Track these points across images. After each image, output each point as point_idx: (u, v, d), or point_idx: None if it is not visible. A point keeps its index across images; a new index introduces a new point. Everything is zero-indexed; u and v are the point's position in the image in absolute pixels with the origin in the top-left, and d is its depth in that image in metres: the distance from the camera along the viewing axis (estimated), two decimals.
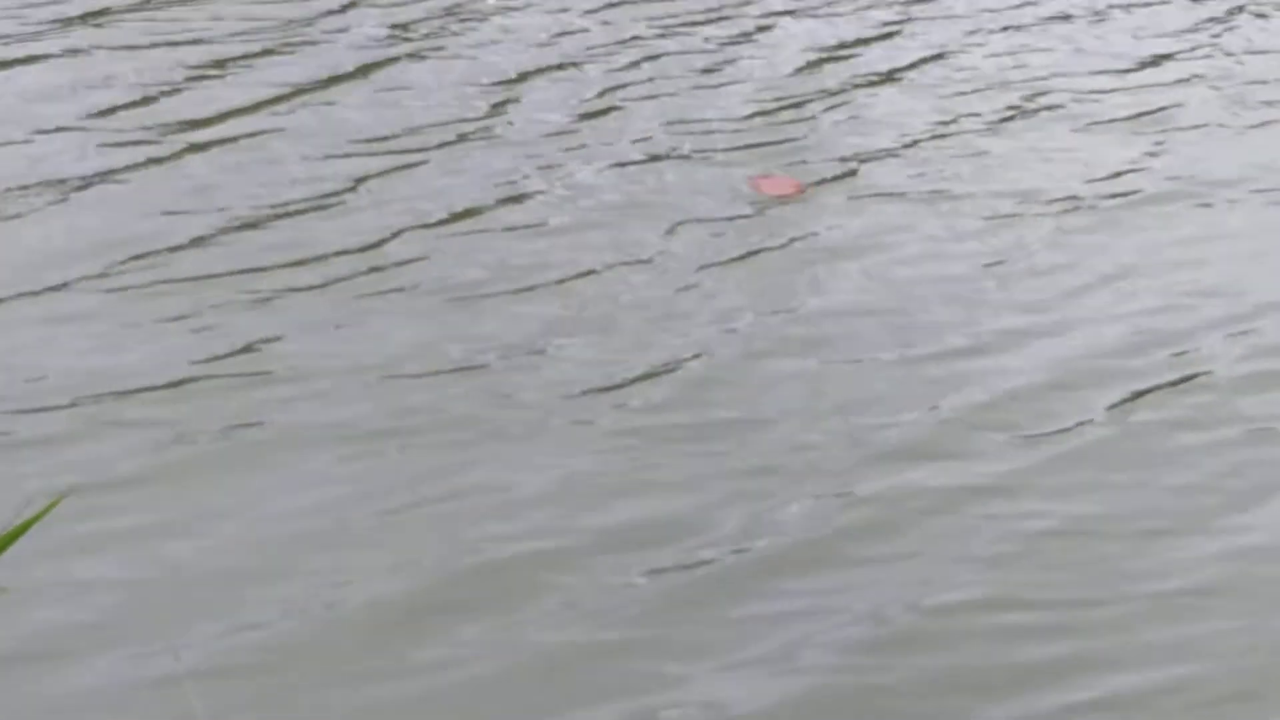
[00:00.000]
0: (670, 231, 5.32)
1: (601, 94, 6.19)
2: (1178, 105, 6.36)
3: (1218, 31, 7.05)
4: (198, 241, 5.12)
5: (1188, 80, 6.57)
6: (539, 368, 4.63)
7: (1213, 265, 5.33)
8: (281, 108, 5.95)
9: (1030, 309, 5.04)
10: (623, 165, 5.69)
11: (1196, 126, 6.21)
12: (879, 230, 5.40)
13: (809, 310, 4.96)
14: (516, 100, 6.11)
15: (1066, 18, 7.11)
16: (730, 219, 5.41)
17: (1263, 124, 6.27)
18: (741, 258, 5.20)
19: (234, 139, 5.72)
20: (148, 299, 4.82)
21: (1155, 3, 7.31)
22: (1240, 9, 7.28)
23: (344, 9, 6.78)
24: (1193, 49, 6.87)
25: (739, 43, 6.69)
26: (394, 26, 6.64)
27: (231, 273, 4.98)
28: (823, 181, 5.66)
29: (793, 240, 5.31)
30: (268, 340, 4.68)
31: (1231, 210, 5.66)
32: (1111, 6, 7.25)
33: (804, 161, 5.79)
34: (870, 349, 4.80)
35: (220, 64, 6.26)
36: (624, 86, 6.25)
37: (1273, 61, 6.79)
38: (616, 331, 4.81)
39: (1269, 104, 6.42)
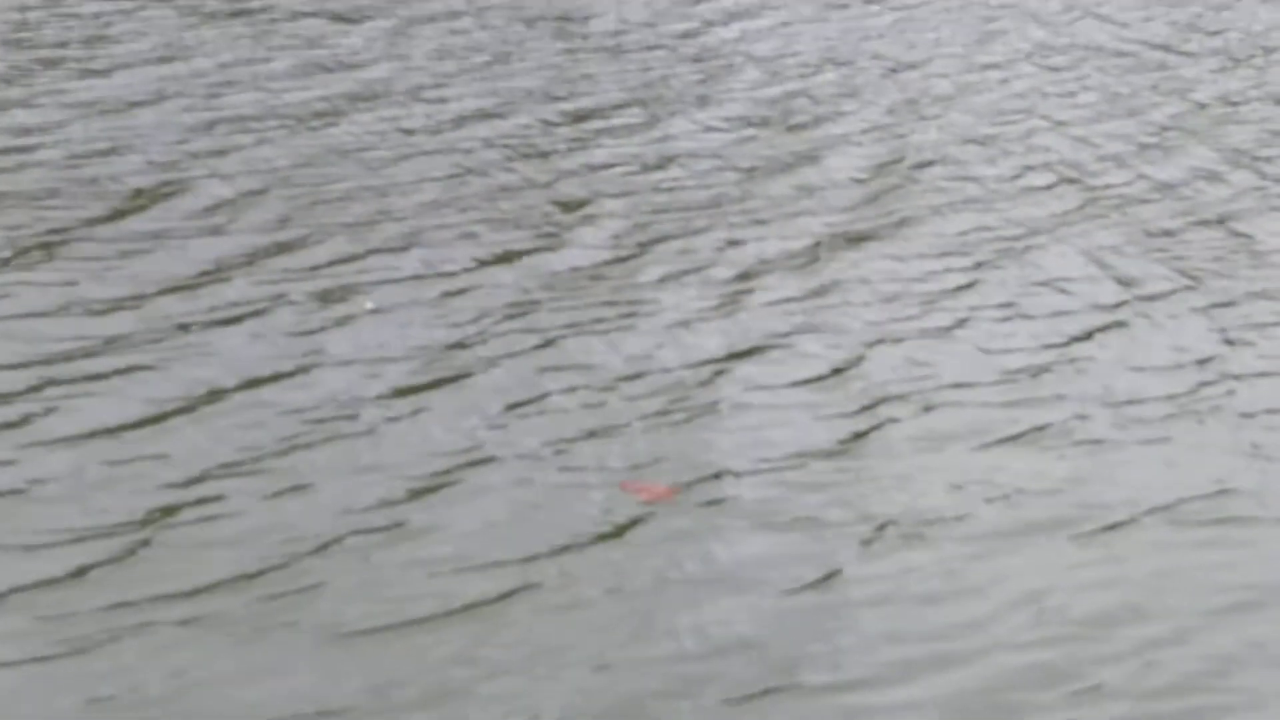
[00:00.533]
0: (559, 555, 5.12)
1: (506, 409, 6.02)
2: (1078, 420, 6.24)
3: (1107, 342, 7.00)
4: (75, 575, 4.87)
5: (1085, 397, 6.47)
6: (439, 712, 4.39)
7: (1115, 589, 5.15)
8: (155, 428, 5.77)
9: (925, 638, 4.83)
10: (516, 485, 5.52)
11: (1094, 442, 6.08)
12: (761, 558, 5.20)
13: (683, 650, 4.73)
14: (396, 418, 5.94)
15: (958, 325, 7.03)
16: (608, 536, 5.21)
17: (1160, 440, 6.14)
18: (637, 592, 4.98)
19: (112, 460, 5.52)
20: (20, 638, 4.57)
21: (1054, 313, 7.26)
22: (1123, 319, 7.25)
23: (223, 323, 6.64)
24: (1085, 361, 6.79)
25: (646, 351, 6.57)
26: (256, 336, 6.49)
27: (107, 607, 4.72)
28: (709, 501, 5.48)
29: (663, 568, 5.09)
30: (154, 691, 4.40)
31: (1133, 532, 5.50)
32: (1015, 316, 7.19)
33: (684, 478, 5.62)
34: (752, 686, 4.58)
35: (90, 379, 6.08)
36: (527, 402, 6.11)
37: (1168, 377, 6.72)
38: (514, 674, 4.57)
39: (1163, 421, 6.30)
